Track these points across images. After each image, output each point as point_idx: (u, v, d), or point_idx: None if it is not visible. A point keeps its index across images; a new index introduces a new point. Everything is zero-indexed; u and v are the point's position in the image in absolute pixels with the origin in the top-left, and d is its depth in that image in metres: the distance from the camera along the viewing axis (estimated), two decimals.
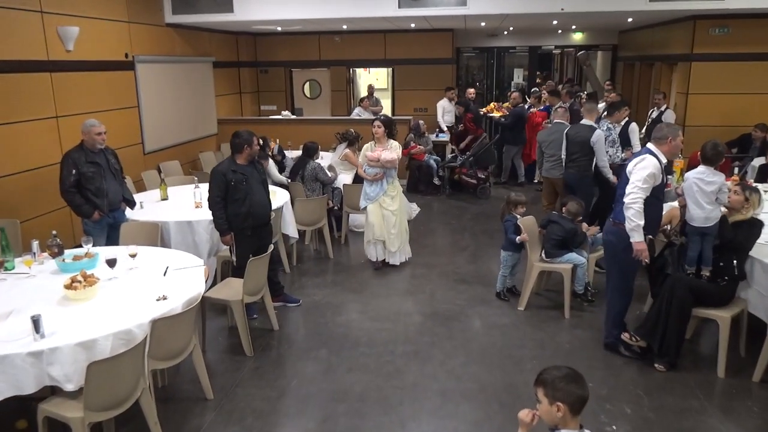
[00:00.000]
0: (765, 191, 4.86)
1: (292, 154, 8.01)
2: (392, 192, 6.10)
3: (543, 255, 5.20)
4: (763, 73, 8.86)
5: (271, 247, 4.91)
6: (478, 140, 9.63)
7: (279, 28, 10.60)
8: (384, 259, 6.26)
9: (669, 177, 5.51)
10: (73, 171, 4.86)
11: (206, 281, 4.03)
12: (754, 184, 4.79)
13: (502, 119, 10.15)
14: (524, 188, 9.66)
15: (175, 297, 3.58)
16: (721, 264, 4.10)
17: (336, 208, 7.21)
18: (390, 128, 6.04)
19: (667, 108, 8.85)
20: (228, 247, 4.95)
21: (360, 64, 12.77)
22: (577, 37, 13.48)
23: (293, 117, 10.97)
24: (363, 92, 12.89)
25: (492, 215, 8.01)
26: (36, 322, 3.01)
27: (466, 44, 13.70)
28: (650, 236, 4.17)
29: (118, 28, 7.34)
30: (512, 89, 12.54)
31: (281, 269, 6.08)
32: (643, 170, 3.90)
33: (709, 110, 9.07)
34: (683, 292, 4.07)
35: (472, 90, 11.08)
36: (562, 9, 7.80)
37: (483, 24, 10.93)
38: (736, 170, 6.57)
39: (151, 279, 3.92)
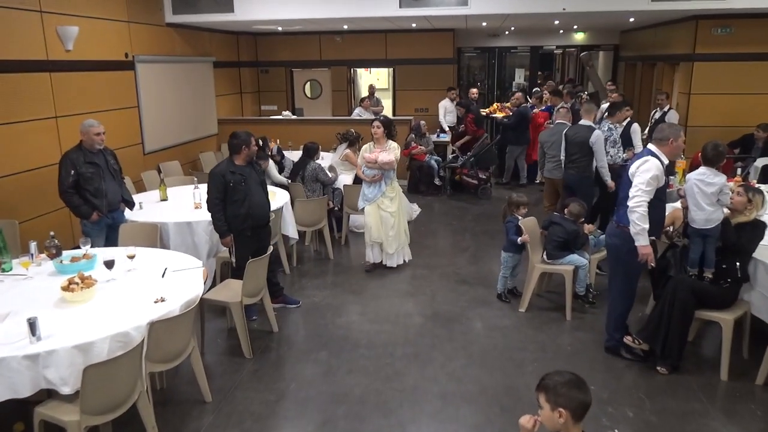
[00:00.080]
0: None
1: (293, 155, 7.98)
2: (391, 193, 6.06)
3: (544, 256, 5.17)
4: (766, 73, 8.82)
5: (271, 248, 4.89)
6: (478, 141, 9.59)
7: (280, 28, 10.58)
8: (375, 262, 6.19)
9: (671, 178, 5.48)
10: (72, 172, 4.84)
11: (205, 283, 4.00)
12: (757, 185, 4.75)
13: (506, 119, 10.12)
14: (526, 189, 9.63)
15: (174, 299, 3.55)
16: (724, 266, 4.07)
17: (336, 208, 7.18)
18: (389, 129, 6.01)
19: (670, 108, 8.80)
20: (227, 248, 4.92)
21: (361, 64, 12.74)
22: (579, 37, 13.44)
23: (294, 117, 10.94)
24: (364, 92, 12.86)
25: (493, 216, 7.98)
26: (32, 325, 2.99)
27: (468, 44, 13.67)
28: (653, 237, 4.14)
29: (117, 27, 7.32)
30: (514, 89, 12.51)
31: (281, 270, 6.06)
32: (646, 173, 3.86)
33: (711, 110, 9.03)
34: (685, 294, 4.04)
35: (474, 90, 11.05)
36: (564, 9, 7.76)
37: (484, 24, 10.90)
38: (738, 171, 6.52)
39: (149, 281, 3.89)
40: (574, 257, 5.06)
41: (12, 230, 5.05)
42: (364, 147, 6.11)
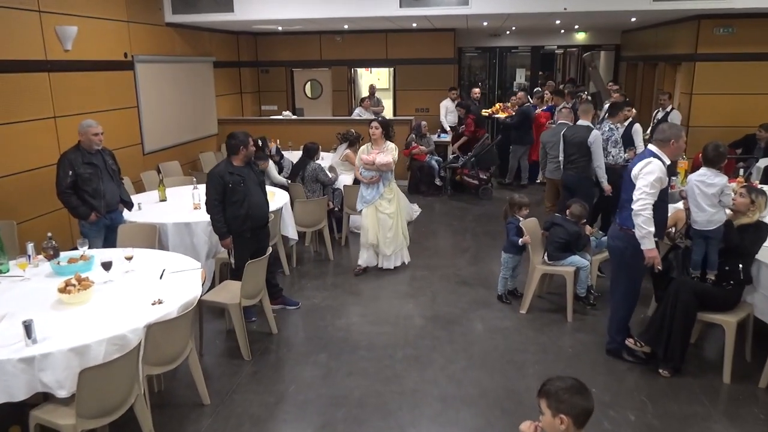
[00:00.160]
0: None
1: (293, 155, 7.95)
2: (389, 195, 6.01)
3: (545, 257, 5.14)
4: None
5: (270, 249, 4.86)
6: (479, 141, 9.56)
7: (280, 28, 10.55)
8: (368, 266, 6.14)
9: (673, 178, 5.44)
10: (70, 172, 4.81)
11: (203, 284, 3.97)
12: (760, 186, 4.72)
13: (508, 119, 10.08)
14: (527, 189, 9.59)
15: (171, 301, 3.52)
16: (727, 268, 4.03)
17: (336, 209, 7.15)
18: (387, 130, 5.97)
19: (672, 108, 8.76)
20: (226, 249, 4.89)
21: (361, 64, 12.71)
22: (580, 37, 13.39)
23: (294, 117, 10.91)
24: (364, 92, 12.83)
25: (494, 216, 7.94)
26: (28, 327, 2.96)
27: (468, 44, 13.63)
28: (656, 239, 4.10)
29: (117, 27, 7.29)
30: (515, 89, 12.46)
31: (280, 271, 6.03)
32: (649, 175, 3.82)
33: (713, 111, 8.99)
34: (688, 296, 4.00)
35: (477, 90, 11.02)
36: (565, 9, 7.72)
37: (485, 24, 10.87)
38: (741, 172, 6.48)
39: (147, 282, 3.86)
40: (576, 258, 5.03)
41: (10, 231, 5.03)
42: (362, 148, 6.07)
